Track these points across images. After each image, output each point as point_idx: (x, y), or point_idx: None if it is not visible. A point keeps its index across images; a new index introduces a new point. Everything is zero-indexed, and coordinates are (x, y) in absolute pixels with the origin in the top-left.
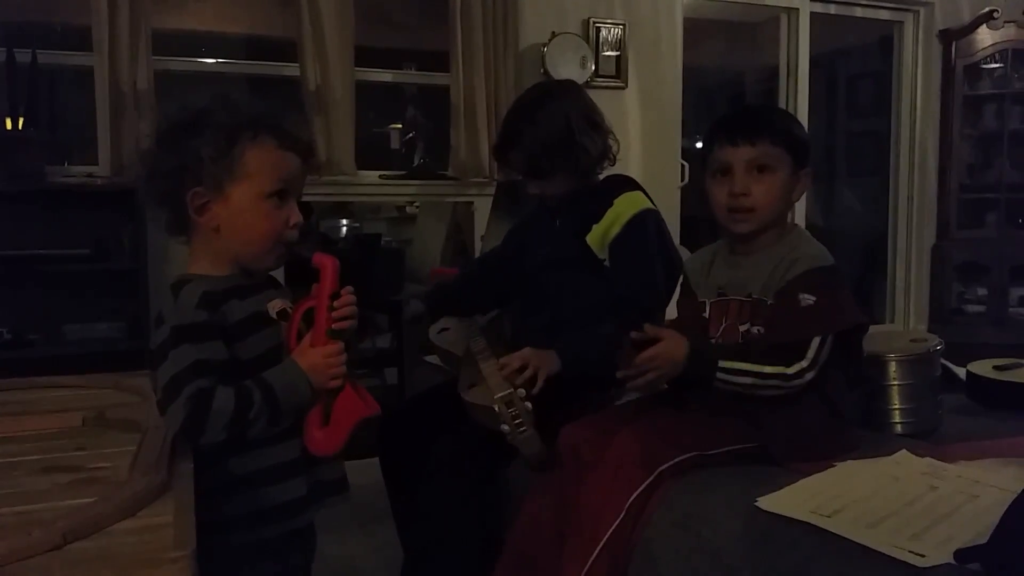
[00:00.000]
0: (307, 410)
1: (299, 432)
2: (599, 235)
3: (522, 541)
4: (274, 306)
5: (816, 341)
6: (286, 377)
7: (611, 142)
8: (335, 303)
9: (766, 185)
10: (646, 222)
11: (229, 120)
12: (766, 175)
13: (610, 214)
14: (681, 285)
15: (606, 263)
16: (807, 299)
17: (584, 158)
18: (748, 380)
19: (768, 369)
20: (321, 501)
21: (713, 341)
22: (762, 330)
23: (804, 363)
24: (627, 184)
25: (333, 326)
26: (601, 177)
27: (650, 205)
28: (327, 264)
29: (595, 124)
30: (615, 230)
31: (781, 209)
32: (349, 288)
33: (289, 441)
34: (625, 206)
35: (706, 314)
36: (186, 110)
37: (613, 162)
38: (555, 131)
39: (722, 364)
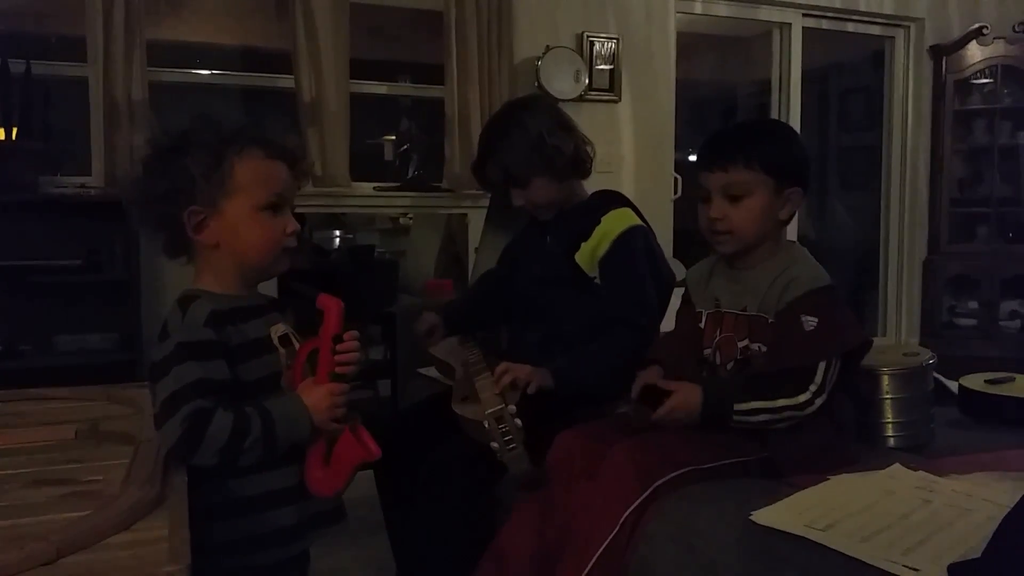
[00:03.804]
0: (305, 445)
1: (295, 461)
2: (588, 253)
3: (506, 544)
4: (277, 330)
5: (823, 365)
6: (289, 411)
7: (587, 148)
8: (338, 347)
9: (742, 210)
10: (634, 240)
11: (213, 137)
12: (741, 199)
13: (598, 232)
14: (682, 295)
15: (597, 281)
16: (810, 322)
17: (558, 159)
18: (764, 417)
19: (781, 403)
20: (315, 530)
21: (707, 352)
22: (763, 347)
23: (814, 387)
24: (615, 200)
25: (336, 369)
26: (590, 192)
27: (638, 222)
28: (331, 306)
29: (565, 127)
30: (603, 249)
31: (765, 229)
32: (353, 333)
33: (285, 468)
34: (612, 224)
35: (702, 325)
36: (170, 134)
37: (588, 171)
38: (524, 137)
39: (737, 407)
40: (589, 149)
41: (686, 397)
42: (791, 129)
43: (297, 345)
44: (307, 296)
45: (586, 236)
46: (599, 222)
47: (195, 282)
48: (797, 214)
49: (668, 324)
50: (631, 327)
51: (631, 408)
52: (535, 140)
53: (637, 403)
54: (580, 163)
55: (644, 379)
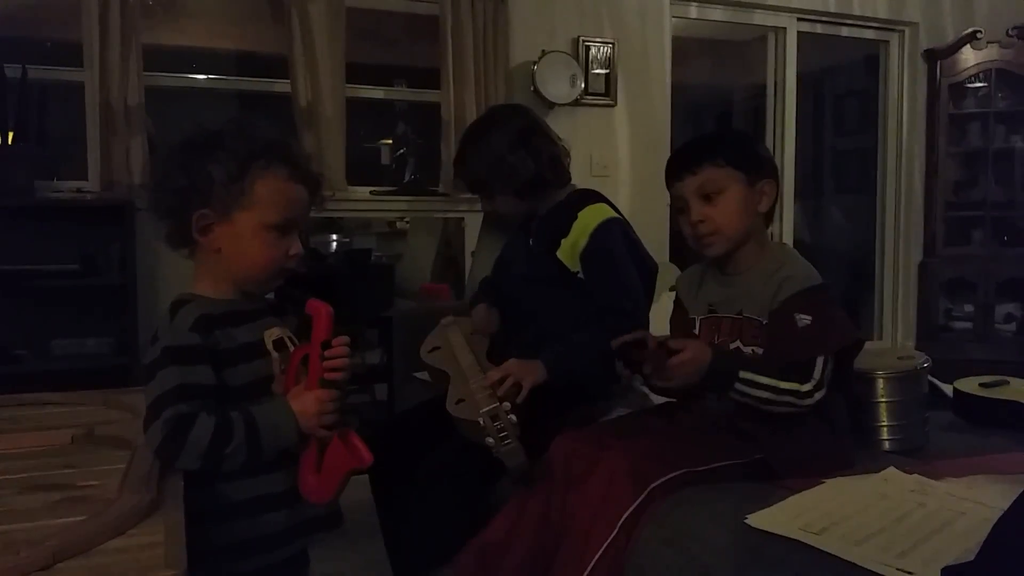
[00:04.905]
0: (294, 452)
1: (287, 465)
2: (568, 249)
3: (497, 549)
4: (271, 335)
5: (820, 361)
6: (274, 417)
7: (554, 160)
8: (326, 353)
9: (720, 207)
10: (611, 231)
11: (244, 147)
12: (718, 197)
13: (576, 227)
14: (673, 302)
15: (580, 275)
16: (804, 319)
17: (515, 180)
18: (765, 394)
19: (784, 384)
20: (309, 535)
21: None
22: (757, 350)
23: (814, 381)
24: (590, 197)
25: (325, 375)
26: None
27: (614, 214)
28: (320, 312)
29: (529, 145)
30: (582, 242)
31: (747, 224)
32: (343, 339)
33: (276, 473)
34: (589, 218)
35: (696, 331)
36: (202, 131)
37: (562, 182)
38: (487, 154)
39: (742, 375)
40: (566, 160)
41: (697, 353)
42: (747, 133)
43: (292, 349)
44: (298, 301)
45: (565, 233)
46: (576, 218)
47: (193, 283)
48: (793, 217)
49: (658, 317)
50: (618, 313)
51: (644, 355)
52: (495, 160)
53: (655, 352)
54: (542, 182)
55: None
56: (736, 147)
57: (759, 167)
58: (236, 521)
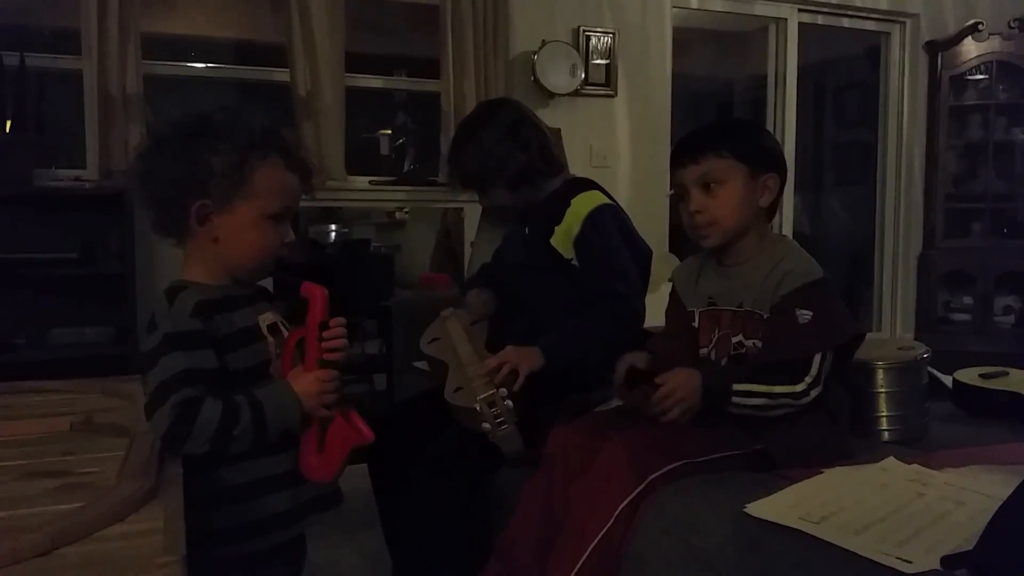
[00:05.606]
0: (297, 432)
1: (289, 447)
2: (561, 236)
3: (511, 546)
4: (265, 319)
5: (818, 357)
6: (278, 399)
7: (544, 150)
8: (324, 334)
9: (719, 198)
10: (604, 216)
11: (242, 136)
12: (718, 188)
13: (569, 214)
14: (669, 294)
15: (574, 262)
16: (804, 315)
17: (505, 172)
18: (760, 401)
19: (778, 389)
20: (311, 515)
21: (704, 351)
22: (758, 343)
23: (810, 379)
24: (583, 185)
25: (324, 356)
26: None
27: (606, 200)
28: (316, 294)
29: (518, 136)
30: (576, 229)
31: (746, 217)
32: (340, 320)
33: (278, 455)
34: (581, 205)
35: (695, 323)
36: (195, 119)
37: (555, 169)
38: (477, 150)
39: (736, 388)
40: (555, 151)
41: (685, 380)
42: (758, 124)
43: (286, 334)
44: (293, 286)
45: (558, 220)
46: (569, 205)
47: (184, 271)
48: (793, 209)
49: (656, 308)
50: (614, 298)
51: (617, 391)
52: (484, 154)
53: (624, 385)
54: (533, 172)
55: (629, 361)
56: (742, 139)
57: (764, 161)
58: (239, 503)
